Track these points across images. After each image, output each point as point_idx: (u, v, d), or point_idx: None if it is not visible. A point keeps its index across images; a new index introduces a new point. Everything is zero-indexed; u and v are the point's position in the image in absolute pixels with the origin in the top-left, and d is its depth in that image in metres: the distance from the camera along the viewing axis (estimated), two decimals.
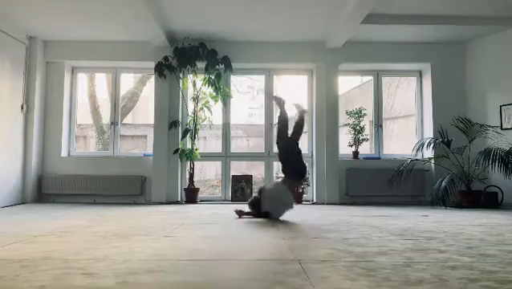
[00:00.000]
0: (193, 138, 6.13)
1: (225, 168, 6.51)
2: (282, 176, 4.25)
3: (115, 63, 6.47)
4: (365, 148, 6.61)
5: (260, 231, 3.39)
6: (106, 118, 7.92)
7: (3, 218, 4.16)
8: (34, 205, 5.67)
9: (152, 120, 6.32)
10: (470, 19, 5.46)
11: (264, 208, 4.04)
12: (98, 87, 8.96)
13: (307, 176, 5.07)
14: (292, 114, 4.62)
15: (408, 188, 5.92)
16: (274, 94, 5.95)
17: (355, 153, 6.38)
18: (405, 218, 4.17)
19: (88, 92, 8.83)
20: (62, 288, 1.65)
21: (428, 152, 5.94)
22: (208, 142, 8.69)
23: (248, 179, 6.39)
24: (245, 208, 4.24)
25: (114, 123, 6.54)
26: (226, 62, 6.04)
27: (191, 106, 6.26)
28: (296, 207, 4.85)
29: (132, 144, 9.29)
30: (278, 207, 4.04)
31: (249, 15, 5.39)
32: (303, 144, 7.27)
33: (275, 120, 5.95)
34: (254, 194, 4.47)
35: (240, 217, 4.14)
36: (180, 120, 6.23)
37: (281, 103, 4.45)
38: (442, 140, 5.73)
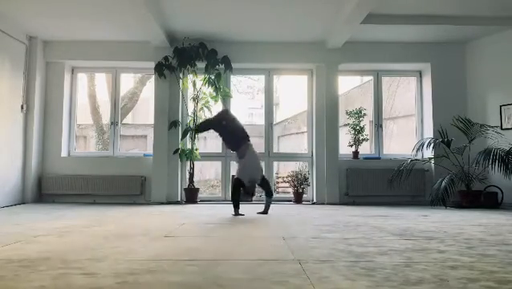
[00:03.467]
0: (192, 138, 6.13)
1: (225, 168, 6.51)
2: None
3: (115, 63, 6.47)
4: (365, 148, 6.61)
5: (260, 231, 3.39)
6: (106, 118, 7.92)
7: (3, 218, 4.16)
8: (34, 205, 5.66)
9: (152, 120, 6.32)
10: (470, 19, 5.46)
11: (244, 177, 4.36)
12: (98, 87, 8.96)
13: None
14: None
15: (408, 188, 5.92)
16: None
17: (355, 153, 6.37)
18: (405, 218, 4.17)
19: (88, 92, 8.83)
20: (62, 288, 1.65)
21: (428, 152, 5.94)
22: (208, 142, 8.69)
23: None
24: None
25: (114, 123, 6.54)
26: (226, 62, 6.04)
27: (191, 106, 6.26)
28: (296, 207, 4.85)
29: (132, 144, 9.29)
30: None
31: (249, 15, 5.39)
32: (303, 143, 7.29)
33: (275, 121, 5.91)
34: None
35: None
36: (180, 120, 6.23)
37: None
38: (442, 140, 5.72)
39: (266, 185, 4.57)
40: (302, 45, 6.28)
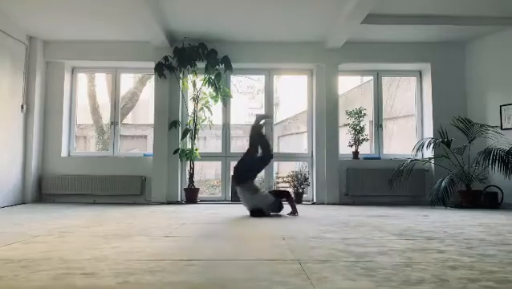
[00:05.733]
0: (192, 138, 6.13)
1: (225, 168, 6.51)
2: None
3: (115, 63, 6.47)
4: (365, 148, 6.61)
5: (260, 231, 3.39)
6: (106, 118, 7.92)
7: (3, 218, 4.16)
8: (34, 205, 5.66)
9: (152, 120, 6.32)
10: (470, 19, 5.46)
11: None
12: (98, 87, 8.96)
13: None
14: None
15: (408, 188, 5.92)
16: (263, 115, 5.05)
17: (355, 153, 6.37)
18: (405, 218, 4.17)
19: (88, 92, 8.83)
20: (62, 288, 1.65)
21: (428, 152, 5.94)
22: (208, 142, 8.70)
23: None
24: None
25: (114, 123, 6.54)
26: (226, 62, 6.04)
27: (191, 106, 6.26)
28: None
29: (132, 144, 9.29)
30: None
31: (249, 15, 5.39)
32: (303, 143, 7.29)
33: (275, 121, 5.90)
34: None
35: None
36: (180, 120, 6.23)
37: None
38: (442, 140, 5.72)
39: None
40: (302, 45, 6.28)
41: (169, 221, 3.85)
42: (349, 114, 6.55)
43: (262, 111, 6.77)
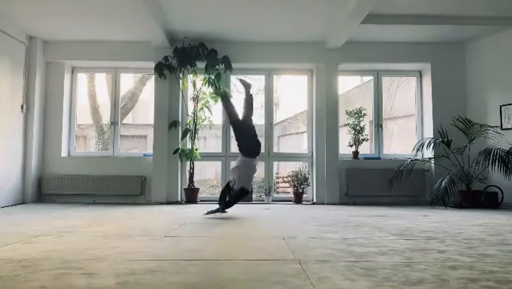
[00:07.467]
0: (192, 138, 6.13)
1: (225, 168, 6.50)
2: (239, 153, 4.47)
3: (115, 63, 6.47)
4: (365, 148, 6.61)
5: (260, 231, 3.40)
6: (106, 118, 7.92)
7: (3, 218, 4.16)
8: (34, 205, 5.66)
9: (152, 120, 6.32)
10: (470, 19, 5.46)
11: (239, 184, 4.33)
12: (98, 87, 8.96)
13: (262, 151, 4.87)
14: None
15: (408, 188, 5.92)
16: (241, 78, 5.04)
17: (355, 153, 6.37)
18: (405, 218, 4.17)
19: (88, 92, 8.83)
20: (62, 288, 1.65)
21: (428, 152, 5.94)
22: (208, 142, 8.69)
23: None
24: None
25: (114, 123, 6.54)
26: (226, 62, 6.04)
27: (191, 106, 6.26)
28: (296, 207, 4.85)
29: (132, 144, 9.28)
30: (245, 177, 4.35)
31: (249, 15, 5.39)
32: (303, 143, 7.28)
33: (275, 121, 5.87)
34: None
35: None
36: (180, 120, 6.23)
37: (247, 85, 4.75)
38: (442, 140, 5.73)
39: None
40: (302, 45, 6.28)
41: (169, 221, 3.85)
42: (349, 114, 6.55)
43: (262, 112, 6.76)
